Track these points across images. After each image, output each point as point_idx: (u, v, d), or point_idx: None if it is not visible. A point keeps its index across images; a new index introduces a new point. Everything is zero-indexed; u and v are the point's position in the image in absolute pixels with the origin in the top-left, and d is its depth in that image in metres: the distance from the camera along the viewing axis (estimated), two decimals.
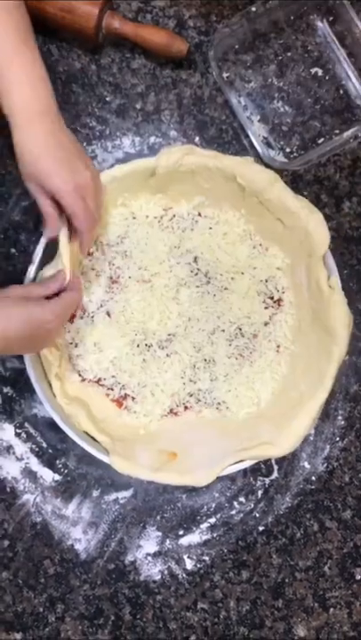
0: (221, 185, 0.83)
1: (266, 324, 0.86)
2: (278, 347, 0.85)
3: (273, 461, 0.89)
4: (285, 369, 0.85)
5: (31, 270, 0.82)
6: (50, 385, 0.83)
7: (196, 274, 0.86)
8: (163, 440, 0.83)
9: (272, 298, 0.86)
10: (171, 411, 0.85)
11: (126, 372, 0.85)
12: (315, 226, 0.80)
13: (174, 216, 0.87)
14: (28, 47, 0.72)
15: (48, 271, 0.81)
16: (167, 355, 0.85)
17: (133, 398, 0.85)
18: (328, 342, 0.79)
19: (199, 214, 0.87)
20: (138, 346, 0.85)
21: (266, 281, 0.86)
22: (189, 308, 0.85)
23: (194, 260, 0.86)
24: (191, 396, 0.85)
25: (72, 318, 0.85)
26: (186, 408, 0.85)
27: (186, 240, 0.86)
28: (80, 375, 0.85)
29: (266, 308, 0.86)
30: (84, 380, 0.85)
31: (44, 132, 0.72)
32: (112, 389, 0.85)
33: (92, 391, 0.85)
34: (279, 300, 0.86)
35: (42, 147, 0.72)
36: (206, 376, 0.85)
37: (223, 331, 0.85)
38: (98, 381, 0.85)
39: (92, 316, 0.85)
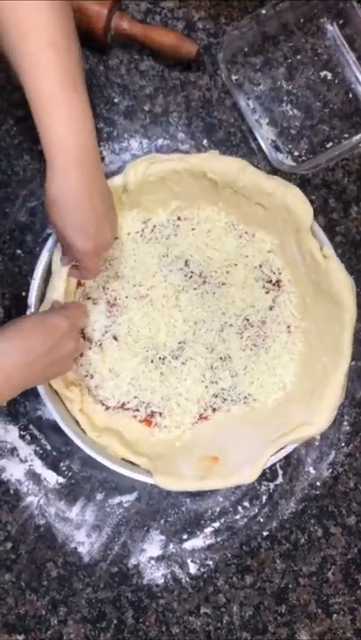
0: (193, 185, 0.83)
1: (271, 308, 0.85)
2: (289, 327, 0.85)
3: (278, 466, 0.89)
4: (301, 347, 0.85)
5: (33, 286, 0.82)
6: (76, 422, 0.82)
7: (191, 277, 0.86)
8: (200, 447, 0.83)
9: (270, 281, 0.86)
10: (200, 416, 0.85)
11: (147, 389, 0.84)
12: (293, 201, 0.80)
13: (155, 226, 0.86)
14: (77, 90, 0.67)
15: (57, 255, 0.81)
16: (182, 363, 0.84)
17: (160, 414, 0.85)
18: (336, 310, 0.79)
19: (178, 218, 0.86)
20: (152, 361, 0.84)
21: (260, 266, 0.86)
22: (192, 311, 0.85)
23: (185, 264, 0.86)
24: (216, 396, 0.85)
25: (81, 354, 0.85)
26: (214, 410, 0.85)
27: (172, 247, 0.86)
28: (103, 404, 0.85)
29: (267, 292, 0.86)
30: (108, 408, 0.85)
31: (77, 182, 0.69)
32: (138, 410, 0.85)
33: (120, 417, 0.85)
34: (278, 282, 0.86)
35: (74, 199, 0.70)
36: (226, 374, 0.84)
37: (231, 325, 0.85)
38: (122, 406, 0.85)
39: (100, 344, 0.85)
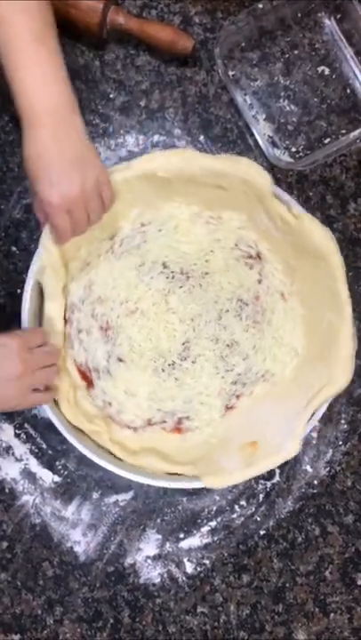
0: (145, 188, 0.82)
1: (259, 281, 0.85)
2: (282, 294, 0.85)
3: None
4: (301, 309, 0.85)
5: (27, 292, 0.82)
6: (110, 452, 0.82)
7: (173, 277, 0.85)
8: (236, 437, 0.83)
9: (250, 256, 0.85)
10: (226, 407, 0.85)
11: (167, 399, 0.84)
12: (247, 172, 0.79)
13: (122, 240, 0.85)
14: (48, 48, 0.70)
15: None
16: (192, 362, 0.84)
17: (188, 417, 0.84)
18: (322, 264, 0.79)
19: (142, 225, 0.85)
20: (163, 370, 0.84)
21: (236, 245, 0.85)
22: (186, 309, 0.85)
23: (164, 267, 0.85)
24: (235, 383, 0.85)
25: (89, 384, 0.84)
26: (238, 397, 0.85)
27: (146, 254, 0.85)
28: (130, 427, 0.84)
29: (250, 268, 0.85)
30: (135, 429, 0.84)
31: (45, 136, 0.70)
32: (165, 422, 0.84)
33: (150, 434, 0.84)
34: (258, 255, 0.85)
35: (40, 149, 0.70)
36: (238, 359, 0.84)
37: (227, 311, 0.85)
38: (149, 423, 0.85)
39: (108, 370, 0.84)
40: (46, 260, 0.80)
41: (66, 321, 0.84)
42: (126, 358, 0.84)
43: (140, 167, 0.80)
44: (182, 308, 0.84)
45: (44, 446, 0.88)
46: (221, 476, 0.79)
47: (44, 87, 0.69)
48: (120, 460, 0.82)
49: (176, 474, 0.82)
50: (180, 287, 0.85)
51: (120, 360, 0.84)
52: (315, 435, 0.89)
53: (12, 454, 0.88)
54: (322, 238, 0.79)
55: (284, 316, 0.85)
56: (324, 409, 0.80)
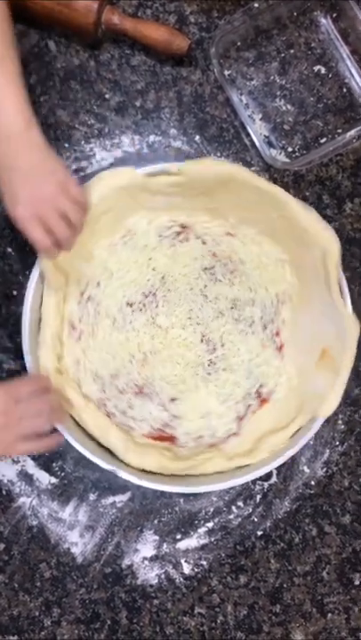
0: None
1: (214, 253, 0.87)
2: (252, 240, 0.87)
3: None
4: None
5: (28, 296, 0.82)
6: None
7: (144, 304, 0.86)
8: (303, 359, 0.84)
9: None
10: (277, 348, 0.86)
11: (232, 385, 0.86)
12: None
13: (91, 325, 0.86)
14: (3, 68, 0.71)
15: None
16: (222, 345, 0.85)
17: (262, 386, 0.85)
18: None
19: (88, 298, 0.85)
20: (209, 374, 0.86)
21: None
22: (177, 317, 0.86)
23: (129, 306, 0.85)
24: (265, 328, 0.86)
25: (169, 440, 0.85)
26: (277, 334, 0.86)
27: (109, 310, 0.85)
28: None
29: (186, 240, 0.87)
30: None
31: (2, 157, 0.71)
32: (250, 405, 0.86)
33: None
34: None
35: (5, 169, 0.72)
36: (249, 309, 0.86)
37: (205, 286, 0.86)
38: (240, 419, 0.86)
39: (175, 415, 0.85)
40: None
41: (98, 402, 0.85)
42: (177, 394, 0.85)
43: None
44: (174, 319, 0.85)
45: None
46: (327, 401, 0.80)
47: None
48: (121, 461, 0.82)
49: (174, 475, 0.82)
50: (156, 306, 0.85)
51: (174, 399, 0.85)
52: (312, 435, 0.89)
53: (9, 456, 0.88)
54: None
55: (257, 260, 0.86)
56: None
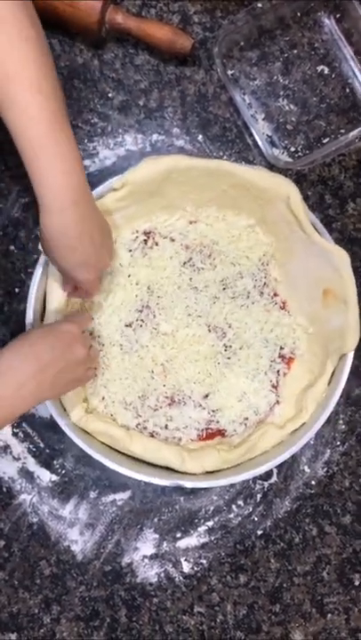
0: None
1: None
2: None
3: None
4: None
5: (31, 296, 0.82)
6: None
7: (142, 320, 0.86)
8: (310, 304, 0.85)
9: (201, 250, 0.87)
10: (283, 304, 0.87)
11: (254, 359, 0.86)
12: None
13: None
14: (64, 130, 0.66)
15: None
16: (234, 334, 0.85)
17: (282, 347, 0.86)
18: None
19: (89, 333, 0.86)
20: (229, 358, 0.85)
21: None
22: (178, 318, 0.86)
23: (128, 327, 0.86)
24: (273, 296, 0.87)
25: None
26: (283, 304, 0.87)
27: (113, 336, 0.86)
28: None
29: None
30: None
31: (74, 222, 0.69)
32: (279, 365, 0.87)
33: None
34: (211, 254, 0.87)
35: (73, 240, 0.70)
36: (242, 281, 0.86)
37: (190, 278, 0.86)
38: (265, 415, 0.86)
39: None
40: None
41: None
42: (208, 389, 0.85)
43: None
44: (176, 321, 0.85)
45: (42, 445, 0.88)
46: (348, 336, 0.80)
47: (63, 176, 0.66)
48: (126, 455, 0.82)
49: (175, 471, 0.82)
50: (154, 316, 0.85)
51: (206, 395, 0.85)
52: (312, 435, 0.89)
53: (10, 453, 0.88)
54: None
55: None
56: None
